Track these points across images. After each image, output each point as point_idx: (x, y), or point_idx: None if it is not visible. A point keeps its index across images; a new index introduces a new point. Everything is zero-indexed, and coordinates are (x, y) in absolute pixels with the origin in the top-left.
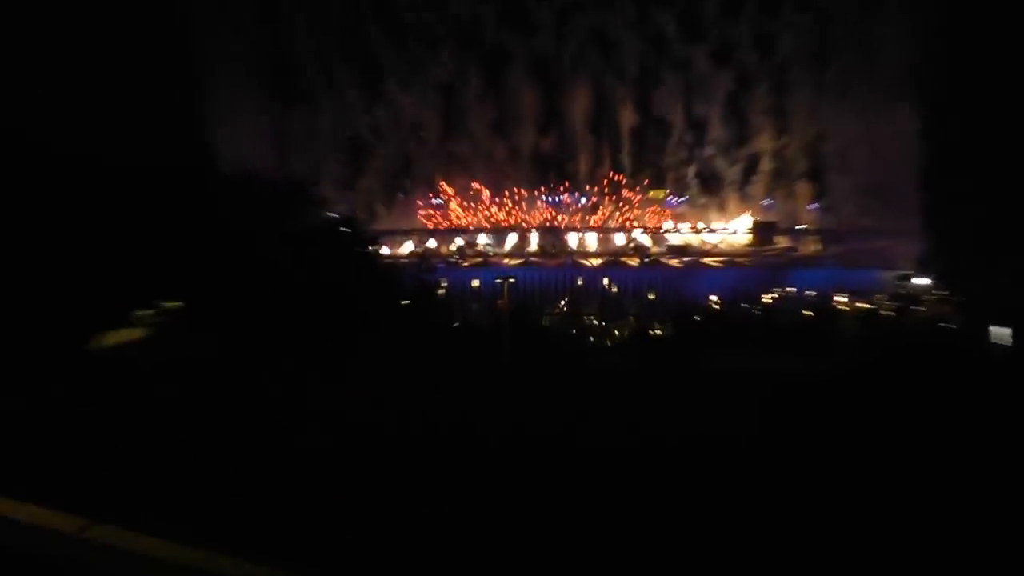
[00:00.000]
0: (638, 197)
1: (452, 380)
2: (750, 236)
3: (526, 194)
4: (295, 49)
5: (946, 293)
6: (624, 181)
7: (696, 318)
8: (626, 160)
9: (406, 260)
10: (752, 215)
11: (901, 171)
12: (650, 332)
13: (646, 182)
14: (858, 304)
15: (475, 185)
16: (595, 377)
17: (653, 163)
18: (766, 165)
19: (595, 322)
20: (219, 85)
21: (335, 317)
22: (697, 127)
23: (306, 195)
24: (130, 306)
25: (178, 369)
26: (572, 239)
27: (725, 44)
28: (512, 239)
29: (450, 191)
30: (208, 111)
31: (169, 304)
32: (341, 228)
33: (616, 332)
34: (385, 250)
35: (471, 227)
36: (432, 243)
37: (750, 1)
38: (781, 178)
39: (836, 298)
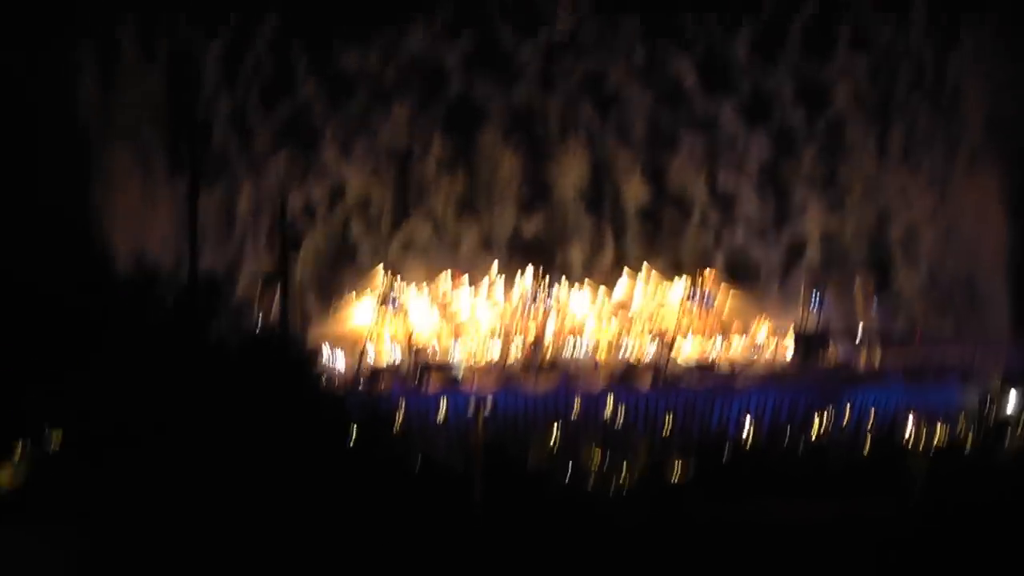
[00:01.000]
0: (652, 295)
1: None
2: (793, 347)
3: (505, 292)
4: (212, 113)
5: None
6: (632, 274)
7: (724, 455)
8: (634, 246)
9: (353, 380)
10: (796, 321)
11: (990, 258)
12: (667, 474)
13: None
14: (936, 434)
15: (442, 280)
16: (596, 538)
17: (670, 250)
18: (814, 253)
19: (597, 461)
20: (116, 159)
21: (255, 472)
22: (726, 202)
23: (218, 297)
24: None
25: None
26: (567, 351)
27: (761, 95)
28: (490, 351)
29: (407, 287)
30: (101, 191)
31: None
32: (265, 340)
33: (624, 474)
34: (327, 365)
35: (437, 336)
36: (389, 356)
37: (791, 41)
38: (833, 270)
39: (907, 426)
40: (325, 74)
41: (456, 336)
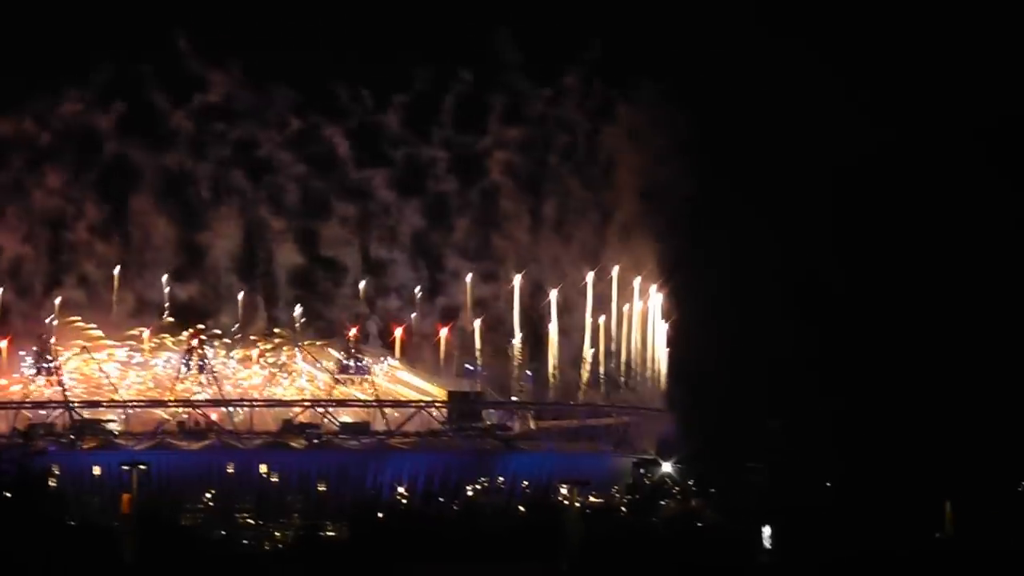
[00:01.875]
0: (303, 355)
1: None
2: (446, 409)
3: (158, 355)
4: None
5: (693, 484)
6: (284, 335)
7: (379, 515)
8: (287, 310)
9: (9, 440)
10: (452, 382)
11: (639, 334)
12: (321, 534)
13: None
14: (589, 499)
15: (96, 343)
16: None
17: (322, 315)
18: (467, 321)
19: (251, 520)
20: None
21: None
22: (378, 269)
23: None
24: None
25: None
26: (221, 413)
27: (415, 165)
28: (145, 413)
29: (60, 350)
30: None
31: None
32: None
33: (277, 534)
34: None
35: (95, 398)
36: (44, 417)
37: (445, 112)
38: (490, 336)
39: (560, 491)
40: None
41: (113, 400)
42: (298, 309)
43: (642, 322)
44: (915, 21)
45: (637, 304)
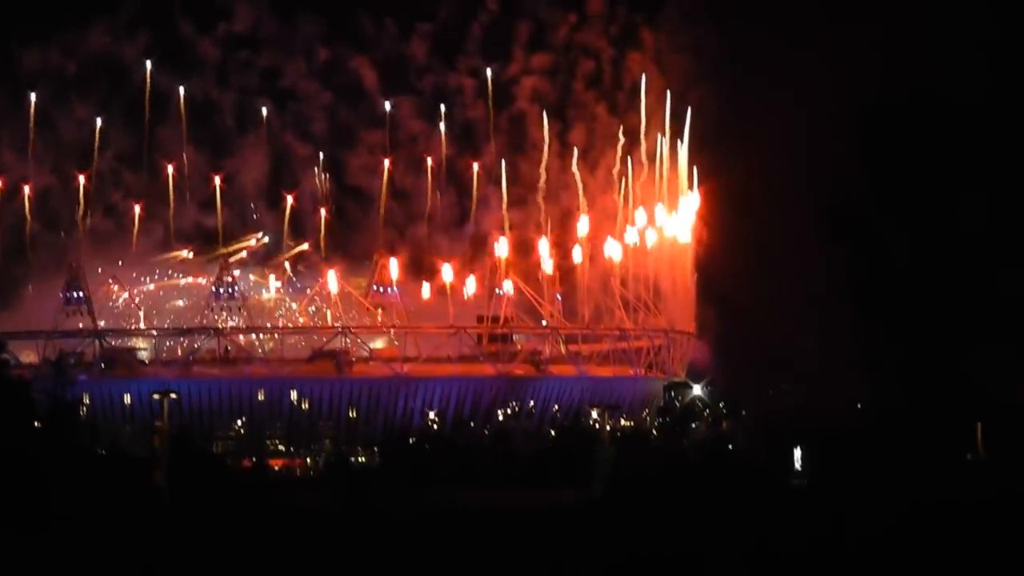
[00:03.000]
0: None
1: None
2: (478, 333)
3: (192, 284)
4: None
5: (724, 407)
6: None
7: (411, 441)
8: (318, 238)
9: (39, 370)
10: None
11: (668, 256)
12: (352, 460)
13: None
14: (620, 422)
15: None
16: (280, 519)
17: (354, 242)
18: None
19: (281, 447)
20: None
21: None
22: (404, 196)
23: None
24: None
25: None
26: (250, 341)
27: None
28: (174, 341)
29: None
30: None
31: None
32: None
33: (308, 460)
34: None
35: (125, 327)
36: (74, 347)
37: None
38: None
39: (591, 415)
40: (7, 73)
41: (144, 328)
42: (329, 236)
43: (671, 245)
44: None
45: (667, 227)
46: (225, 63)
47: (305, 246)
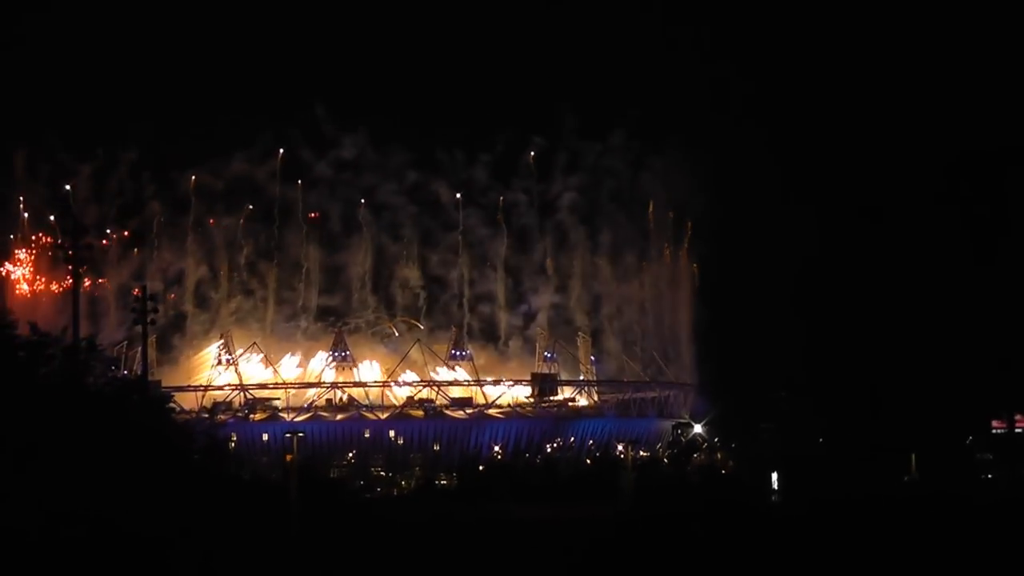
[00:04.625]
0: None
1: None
2: (531, 388)
3: (311, 351)
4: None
5: (718, 441)
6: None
7: (480, 468)
8: (409, 313)
9: (198, 415)
10: (535, 367)
11: (674, 327)
12: (436, 482)
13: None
14: (640, 453)
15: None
16: (382, 530)
17: (437, 318)
18: (545, 322)
19: (382, 473)
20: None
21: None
22: (478, 282)
23: (95, 353)
24: None
25: None
26: (359, 392)
27: (502, 207)
28: (301, 394)
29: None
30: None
31: None
32: (130, 385)
33: (403, 483)
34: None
35: (263, 382)
36: (224, 397)
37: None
38: (561, 332)
39: (618, 448)
40: (170, 192)
41: (276, 384)
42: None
43: (675, 318)
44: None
45: (672, 304)
46: (335, 181)
47: (399, 319)
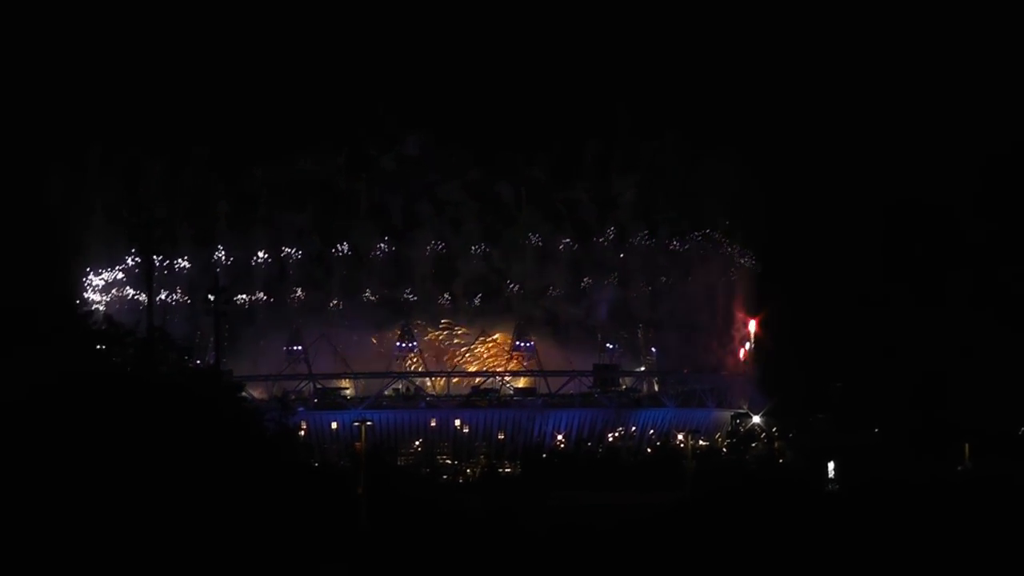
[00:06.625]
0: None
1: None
2: (593, 378)
3: (380, 341)
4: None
5: (776, 431)
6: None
7: (543, 456)
8: (474, 306)
9: (269, 403)
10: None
11: (731, 316)
12: (500, 470)
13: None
14: (699, 443)
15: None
16: (447, 516)
17: (501, 309)
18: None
19: (448, 461)
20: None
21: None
22: (540, 276)
23: (170, 344)
24: None
25: None
26: (426, 381)
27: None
28: (369, 384)
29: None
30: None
31: None
32: (204, 373)
33: (468, 471)
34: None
35: (333, 371)
36: (295, 387)
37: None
38: (622, 324)
39: (678, 437)
40: (239, 187)
41: (344, 372)
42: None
43: (732, 309)
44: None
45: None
46: (399, 176)
47: (463, 311)
